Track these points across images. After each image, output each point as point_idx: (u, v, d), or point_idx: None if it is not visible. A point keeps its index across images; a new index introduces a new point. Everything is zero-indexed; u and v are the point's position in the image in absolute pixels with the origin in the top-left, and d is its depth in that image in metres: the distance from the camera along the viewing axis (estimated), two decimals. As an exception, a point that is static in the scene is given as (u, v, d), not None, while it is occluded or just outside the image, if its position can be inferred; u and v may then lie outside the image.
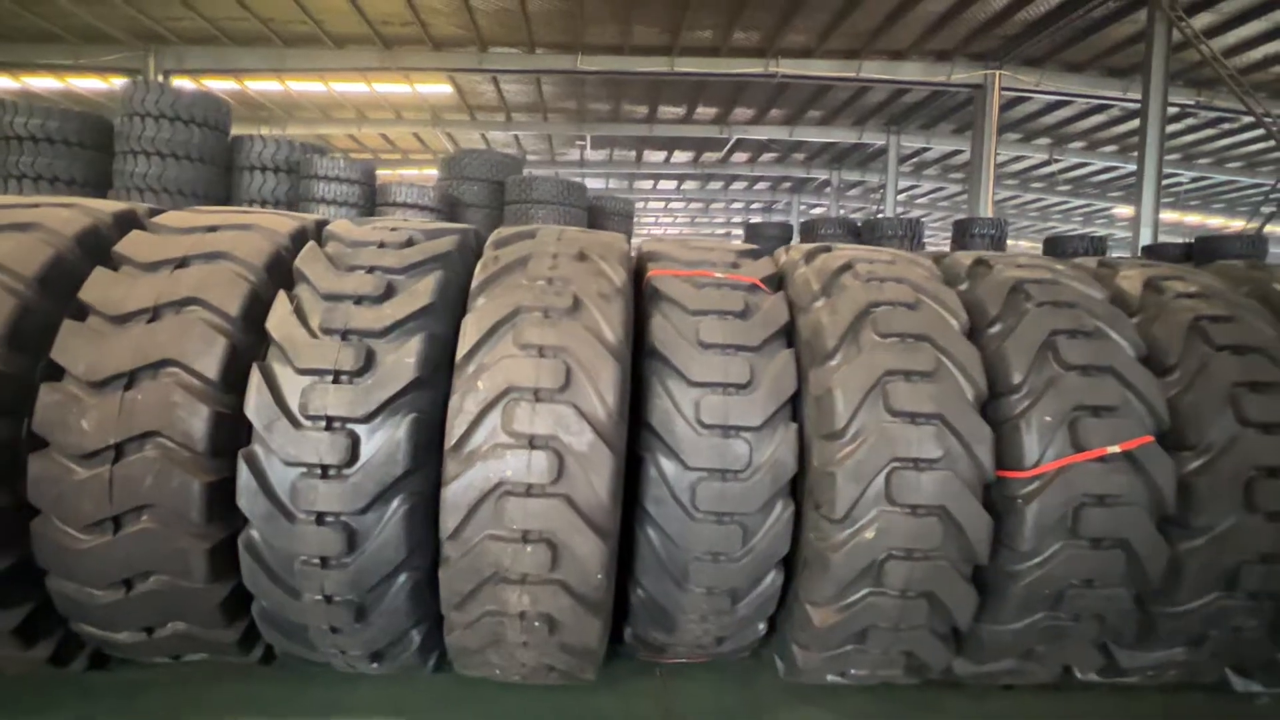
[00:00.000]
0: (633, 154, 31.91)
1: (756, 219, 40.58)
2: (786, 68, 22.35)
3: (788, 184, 36.02)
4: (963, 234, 15.75)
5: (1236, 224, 34.49)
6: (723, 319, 2.99)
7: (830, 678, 3.14)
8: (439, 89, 25.04)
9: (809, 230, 15.00)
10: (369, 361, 2.65)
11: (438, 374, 2.73)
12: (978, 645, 3.00)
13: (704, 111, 27.32)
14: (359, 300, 2.78)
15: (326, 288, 2.80)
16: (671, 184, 36.17)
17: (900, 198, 35.73)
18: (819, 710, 3.17)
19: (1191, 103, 23.05)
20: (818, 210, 36.80)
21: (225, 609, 2.77)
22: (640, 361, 2.95)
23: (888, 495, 2.70)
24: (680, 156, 32.07)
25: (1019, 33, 20.94)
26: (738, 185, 36.41)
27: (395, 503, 2.62)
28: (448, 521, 2.58)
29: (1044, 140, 28.86)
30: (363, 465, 2.59)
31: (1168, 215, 34.96)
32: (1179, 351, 2.96)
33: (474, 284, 2.86)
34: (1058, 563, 2.77)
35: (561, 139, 29.92)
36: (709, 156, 31.95)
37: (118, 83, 22.72)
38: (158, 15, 19.74)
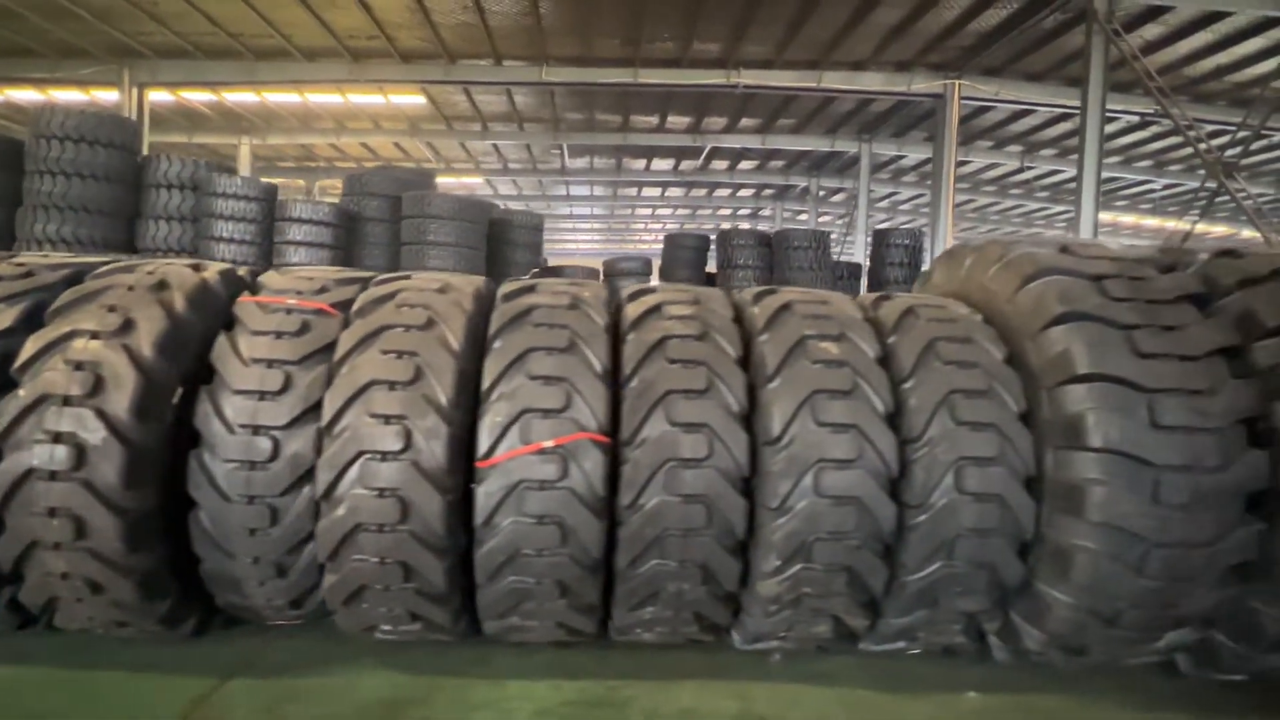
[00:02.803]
0: (612, 162, 32.56)
1: (745, 225, 41.09)
2: (748, 78, 22.84)
3: (769, 191, 36.52)
4: (880, 244, 16.34)
5: (1218, 229, 34.66)
6: (276, 338, 3.67)
7: (379, 634, 3.81)
8: (412, 100, 25.75)
9: (724, 241, 15.65)
10: (-57, 372, 3.37)
11: (8, 384, 3.42)
12: (481, 604, 3.66)
13: (676, 120, 27.84)
14: (-46, 324, 3.49)
15: (-69, 314, 3.51)
16: (655, 191, 36.77)
17: (882, 204, 36.14)
18: (374, 659, 3.85)
19: (1150, 111, 23.35)
20: (802, 216, 37.26)
21: None
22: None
23: (359, 480, 3.37)
24: (660, 164, 32.66)
25: (974, 43, 21.39)
26: (721, 192, 36.95)
27: (-39, 486, 3.33)
28: (-6, 501, 3.30)
29: (1015, 147, 29.15)
30: (-67, 453, 3.31)
31: (1149, 222, 35.07)
32: (636, 364, 3.60)
33: (48, 311, 3.56)
34: (509, 534, 3.43)
35: (541, 148, 30.60)
36: (688, 164, 32.52)
37: (98, 94, 23.71)
38: (130, 31, 20.56)
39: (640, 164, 32.74)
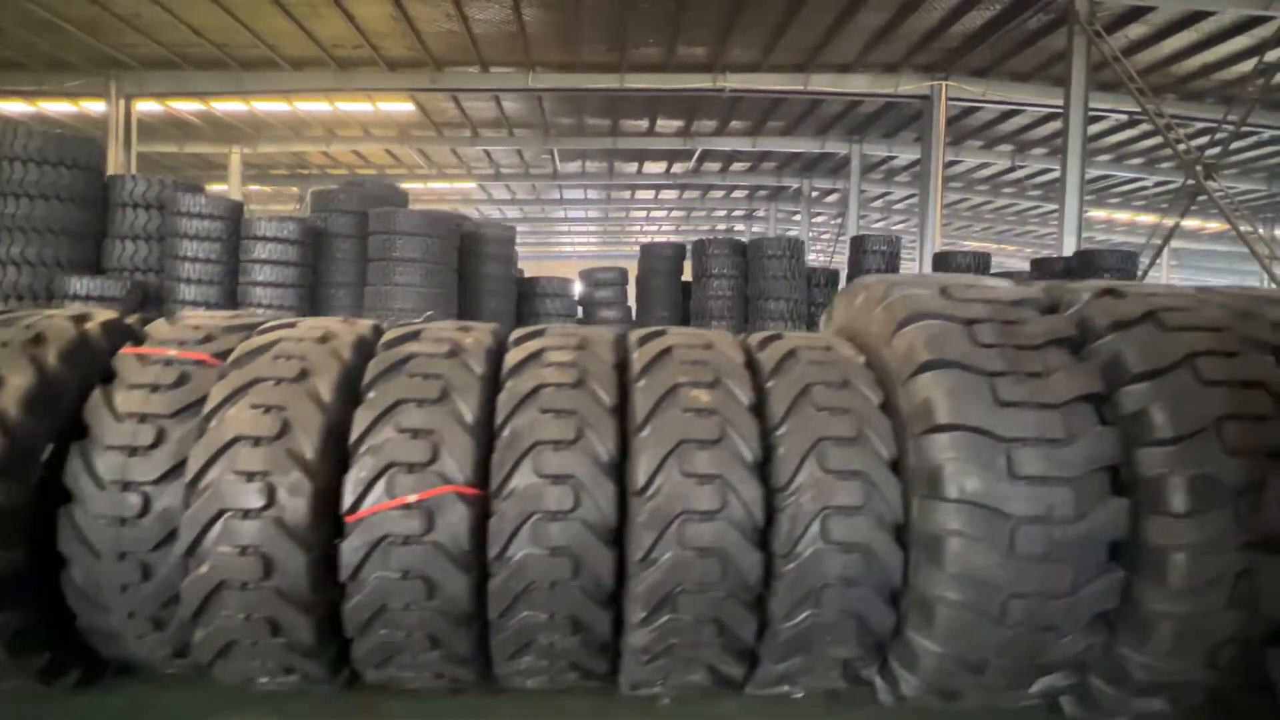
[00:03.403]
0: (604, 165, 32.59)
1: (739, 226, 41.11)
2: (734, 82, 22.84)
3: (763, 192, 36.50)
4: (858, 249, 16.31)
5: (1213, 225, 34.44)
6: (151, 391, 3.67)
7: (260, 685, 3.82)
8: (401, 107, 25.84)
9: (699, 251, 15.66)
10: None
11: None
12: (355, 656, 3.66)
13: (666, 124, 27.86)
14: None
15: None
16: (649, 194, 36.77)
17: (877, 204, 36.07)
18: (259, 707, 3.87)
19: (1137, 110, 23.25)
20: (796, 217, 37.24)
21: None
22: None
23: (222, 538, 3.37)
24: (652, 167, 32.68)
25: (960, 45, 21.38)
26: (715, 194, 36.93)
27: None
28: None
29: (1006, 147, 29.10)
30: None
31: (1145, 219, 34.94)
32: (508, 414, 3.59)
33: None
34: (375, 589, 3.42)
35: (532, 153, 30.64)
36: (680, 167, 32.52)
37: (87, 106, 23.81)
38: (115, 43, 20.65)
39: (632, 168, 32.75)
